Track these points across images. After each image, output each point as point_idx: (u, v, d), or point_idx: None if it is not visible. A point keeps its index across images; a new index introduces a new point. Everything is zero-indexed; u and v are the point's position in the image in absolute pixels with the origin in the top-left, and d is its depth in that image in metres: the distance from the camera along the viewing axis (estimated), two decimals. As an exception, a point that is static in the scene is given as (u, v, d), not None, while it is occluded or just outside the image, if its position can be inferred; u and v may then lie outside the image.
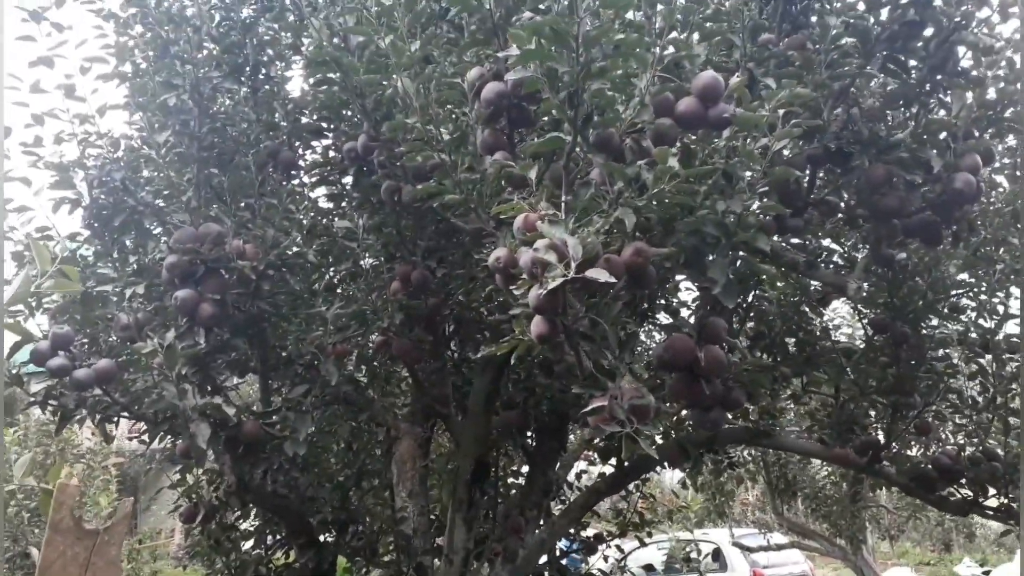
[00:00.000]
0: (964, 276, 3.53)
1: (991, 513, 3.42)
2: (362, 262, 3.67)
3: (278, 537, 4.58)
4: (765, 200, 2.20)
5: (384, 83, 2.73)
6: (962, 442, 3.90)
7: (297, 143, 3.70)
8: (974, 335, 3.44)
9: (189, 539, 6.04)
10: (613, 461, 4.03)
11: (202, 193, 3.32)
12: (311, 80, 3.38)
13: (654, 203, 2.04)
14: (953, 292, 3.46)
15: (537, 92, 2.20)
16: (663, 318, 3.87)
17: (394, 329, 3.46)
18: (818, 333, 3.90)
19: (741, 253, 2.44)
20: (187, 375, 3.08)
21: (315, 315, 3.44)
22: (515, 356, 2.24)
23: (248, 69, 3.59)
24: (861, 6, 2.61)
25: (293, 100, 3.71)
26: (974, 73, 2.63)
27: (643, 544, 5.74)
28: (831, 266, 3.57)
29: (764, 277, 3.37)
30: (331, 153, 3.74)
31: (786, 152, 2.37)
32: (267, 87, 3.68)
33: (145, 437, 3.68)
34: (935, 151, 2.56)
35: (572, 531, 5.18)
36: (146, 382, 3.14)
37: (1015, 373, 3.36)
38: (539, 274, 1.86)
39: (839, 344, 3.91)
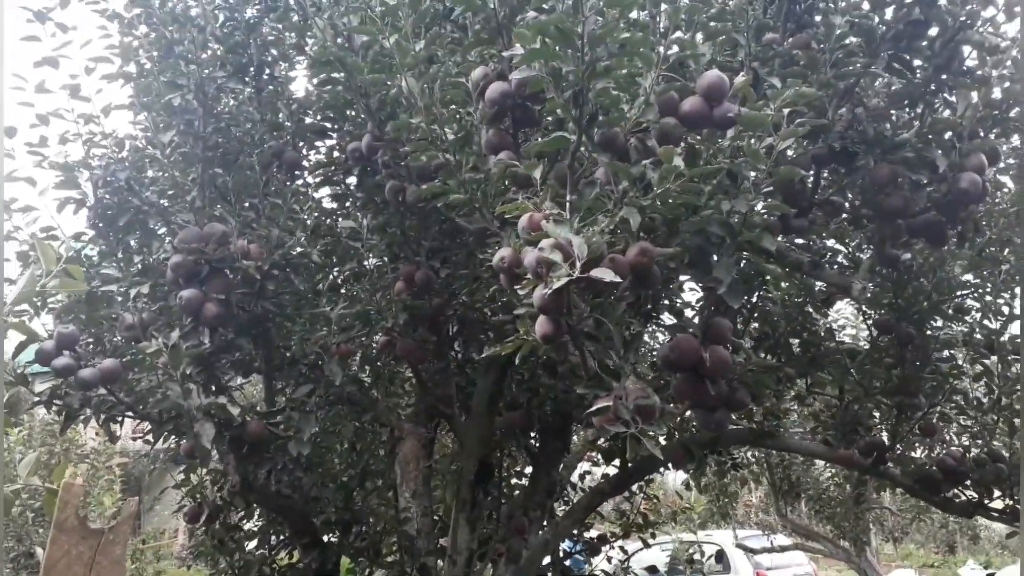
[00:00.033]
0: (969, 277, 3.53)
1: (996, 515, 3.41)
2: (366, 262, 3.68)
3: (282, 537, 4.59)
4: (770, 200, 2.20)
5: (388, 83, 2.73)
6: (967, 443, 3.89)
7: (301, 143, 3.71)
8: (979, 336, 3.43)
9: (193, 539, 6.05)
10: (617, 462, 4.03)
11: (206, 193, 3.33)
12: (315, 80, 3.38)
13: (659, 203, 2.04)
14: (958, 293, 3.45)
15: (541, 92, 2.20)
16: (667, 319, 3.87)
17: (398, 329, 3.47)
18: (822, 334, 3.89)
19: (745, 253, 2.43)
20: (192, 375, 3.08)
21: (319, 315, 3.45)
22: (519, 356, 2.23)
23: (252, 69, 3.59)
24: (866, 5, 2.60)
25: (297, 100, 3.71)
26: (979, 72, 2.62)
27: (647, 545, 5.73)
28: (835, 266, 3.56)
29: (769, 277, 3.36)
30: (335, 153, 3.75)
31: (790, 152, 2.36)
32: (271, 87, 3.69)
33: (149, 437, 3.68)
34: (940, 151, 2.55)
35: (575, 532, 5.18)
36: (151, 382, 3.15)
37: (1020, 374, 3.35)
38: (544, 274, 1.85)
39: (843, 345, 3.90)
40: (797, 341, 3.88)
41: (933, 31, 2.58)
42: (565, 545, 5.27)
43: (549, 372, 3.93)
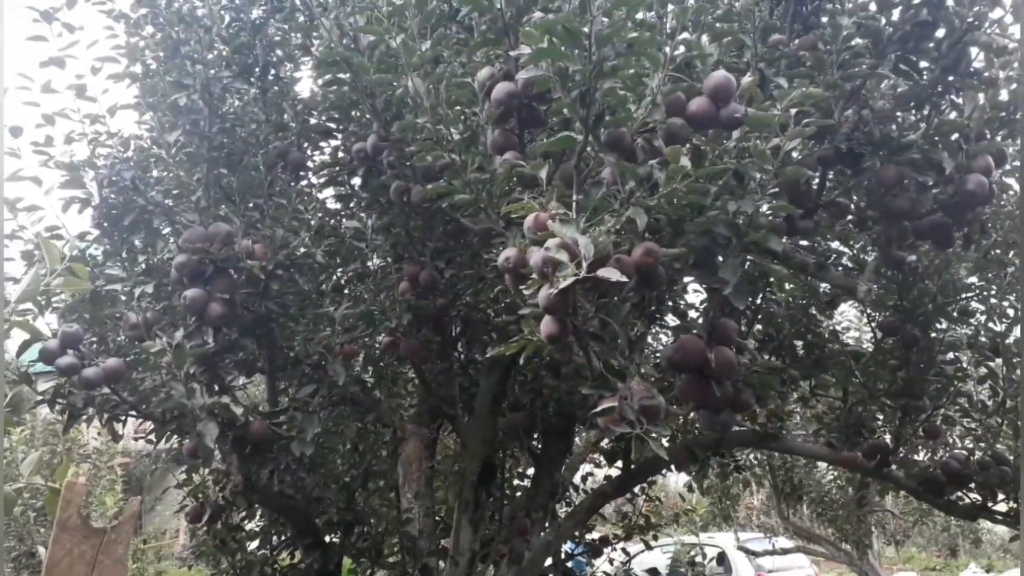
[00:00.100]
0: (974, 279, 3.52)
1: (1000, 518, 3.40)
2: (370, 263, 3.68)
3: (284, 537, 4.59)
4: (776, 201, 2.19)
5: (394, 83, 2.73)
6: (971, 446, 3.88)
7: (306, 144, 3.71)
8: (984, 339, 3.42)
9: (194, 539, 6.05)
10: (619, 464, 4.02)
11: (211, 193, 3.33)
12: (321, 80, 3.38)
13: (665, 203, 2.03)
14: (963, 295, 3.44)
15: (547, 92, 2.19)
16: (670, 320, 3.87)
17: (402, 330, 3.46)
18: (827, 336, 3.89)
19: (751, 255, 2.43)
20: (195, 374, 3.08)
21: (323, 315, 3.45)
22: (523, 357, 2.23)
23: (258, 70, 3.60)
24: (873, 7, 2.60)
25: (302, 101, 3.72)
26: (986, 74, 2.62)
27: (648, 547, 5.73)
28: (840, 268, 3.56)
29: (774, 279, 3.36)
30: (339, 154, 3.75)
31: (795, 154, 2.36)
32: (276, 88, 3.70)
33: (152, 437, 3.68)
34: (947, 153, 2.55)
35: (577, 533, 5.18)
36: (154, 381, 3.15)
37: (1021, 378, 3.34)
38: (550, 273, 1.85)
39: (848, 347, 3.89)
40: (801, 343, 3.87)
41: (940, 32, 2.58)
42: (567, 546, 5.27)
43: (552, 373, 3.93)
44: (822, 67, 2.45)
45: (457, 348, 4.25)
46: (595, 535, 5.69)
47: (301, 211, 3.44)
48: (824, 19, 2.68)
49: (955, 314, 3.39)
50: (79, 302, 3.34)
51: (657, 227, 2.21)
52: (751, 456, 7.78)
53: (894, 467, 3.52)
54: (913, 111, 2.82)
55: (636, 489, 5.41)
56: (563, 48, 1.96)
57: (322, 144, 3.85)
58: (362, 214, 3.58)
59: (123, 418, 3.38)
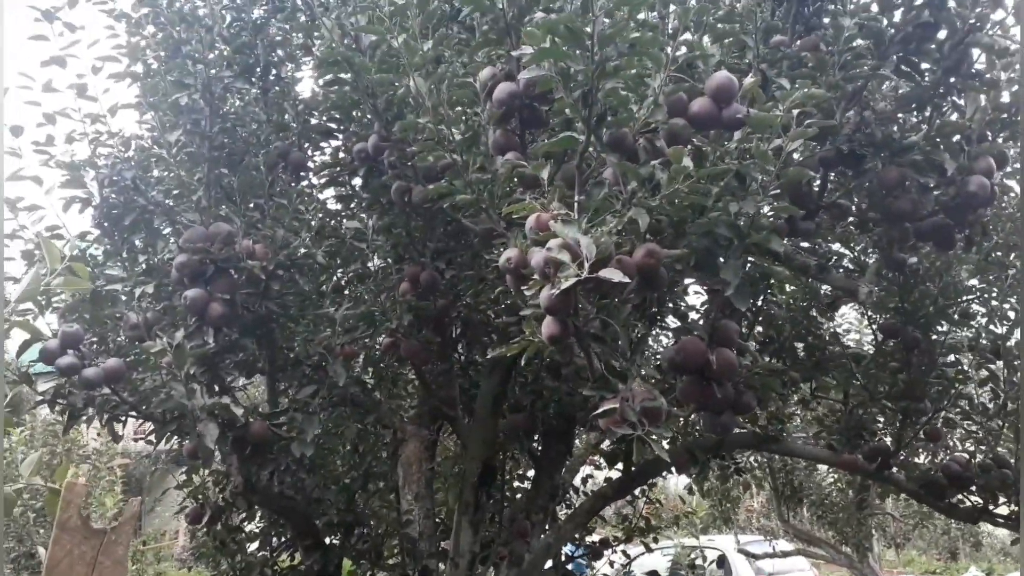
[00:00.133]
0: (975, 281, 3.52)
1: (1001, 521, 3.40)
2: (371, 263, 3.67)
3: (284, 539, 4.58)
4: (777, 202, 2.19)
5: (395, 83, 2.72)
6: (972, 449, 3.88)
7: (307, 144, 3.71)
8: (985, 341, 3.42)
9: (194, 541, 6.04)
10: (620, 466, 4.02)
11: (212, 193, 3.32)
12: (322, 80, 3.38)
13: (667, 204, 2.03)
14: (964, 297, 3.44)
15: (549, 92, 2.19)
16: (671, 321, 3.86)
17: (403, 330, 3.46)
18: (827, 338, 3.88)
19: (752, 256, 2.43)
20: (195, 375, 3.08)
21: (323, 316, 3.44)
22: (524, 358, 2.22)
23: (259, 69, 3.60)
24: (874, 8, 2.60)
25: (303, 101, 3.72)
26: (988, 76, 2.62)
27: (649, 550, 5.72)
28: (841, 270, 3.55)
29: (775, 280, 3.35)
30: (340, 154, 3.75)
31: (796, 155, 2.35)
32: (277, 88, 3.69)
33: (151, 438, 3.68)
34: (949, 154, 2.54)
35: (578, 536, 5.17)
36: (155, 381, 3.14)
37: (1021, 380, 3.34)
38: (551, 274, 1.85)
39: (849, 349, 3.89)
40: (802, 345, 3.87)
41: (942, 34, 2.58)
42: (567, 549, 5.26)
43: (553, 375, 3.93)
44: (824, 68, 2.45)
45: (457, 349, 4.25)
46: (595, 537, 5.68)
47: (302, 211, 3.44)
48: (826, 20, 2.68)
49: (956, 316, 3.39)
50: (79, 302, 3.34)
51: (658, 228, 2.21)
52: (751, 458, 7.77)
53: (895, 470, 3.51)
54: (915, 112, 2.82)
55: (636, 491, 5.40)
56: (565, 48, 1.95)
57: (323, 144, 3.85)
58: (363, 215, 3.58)
59: (123, 419, 3.37)
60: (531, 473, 4.75)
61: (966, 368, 3.48)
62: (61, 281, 2.09)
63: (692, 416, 3.90)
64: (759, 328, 3.85)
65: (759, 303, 3.68)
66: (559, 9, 2.09)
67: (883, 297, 3.41)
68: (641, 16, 2.21)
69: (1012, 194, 3.32)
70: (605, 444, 4.81)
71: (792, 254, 2.81)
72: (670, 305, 3.68)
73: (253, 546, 4.58)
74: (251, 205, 3.45)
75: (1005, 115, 2.68)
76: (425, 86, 2.37)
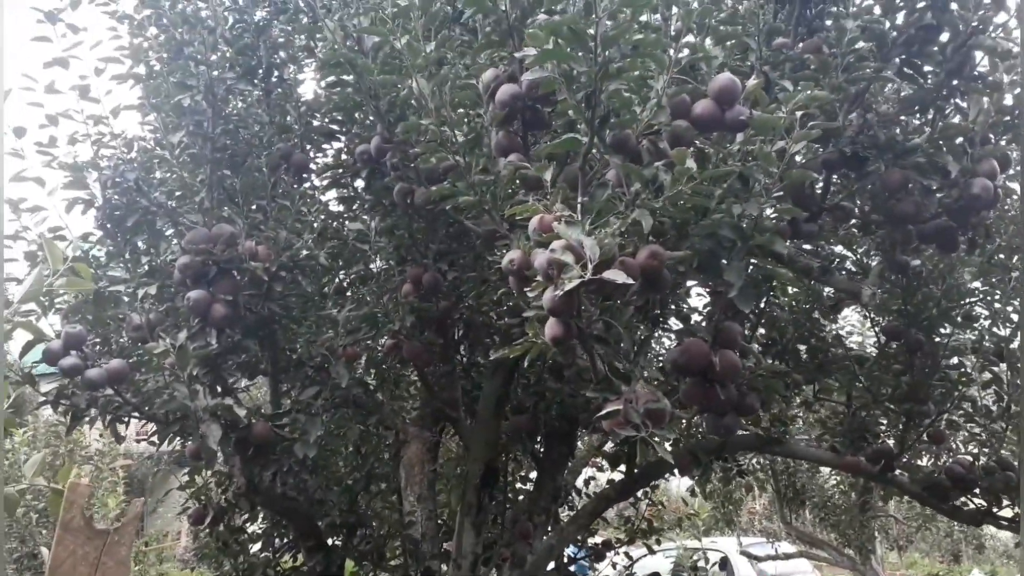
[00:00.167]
0: (978, 284, 3.51)
1: (1005, 523, 3.39)
2: (373, 265, 3.67)
3: (286, 540, 4.58)
4: (780, 204, 2.19)
5: (398, 85, 2.73)
6: (975, 451, 3.87)
7: (309, 146, 3.71)
8: (988, 343, 3.41)
9: (196, 541, 6.04)
10: (622, 467, 4.01)
11: (215, 194, 3.33)
12: (325, 82, 3.38)
13: (670, 206, 2.03)
14: (967, 300, 3.43)
15: (551, 94, 2.19)
16: (674, 323, 3.86)
17: (405, 332, 3.46)
18: (830, 340, 3.88)
19: (755, 258, 2.42)
20: (198, 376, 3.08)
21: (326, 317, 3.44)
22: (527, 360, 2.22)
23: (261, 71, 3.60)
24: (877, 10, 2.59)
25: (306, 103, 3.72)
26: (991, 78, 2.61)
27: (651, 552, 5.71)
28: (843, 272, 3.55)
29: (779, 282, 3.35)
30: (343, 156, 3.75)
31: (798, 157, 2.35)
32: (280, 89, 3.69)
33: (154, 439, 3.68)
34: (952, 156, 2.54)
35: (580, 537, 5.16)
36: (157, 382, 3.15)
37: (1020, 382, 3.33)
38: (555, 275, 1.85)
39: (852, 351, 3.88)
40: (804, 347, 3.86)
41: (945, 36, 2.57)
42: (569, 550, 5.25)
43: (555, 376, 3.92)
44: (827, 70, 2.44)
45: (460, 351, 4.24)
46: (598, 539, 5.68)
47: (304, 213, 3.44)
48: (828, 22, 2.68)
49: (959, 319, 3.38)
50: (82, 303, 3.35)
51: (661, 230, 2.21)
52: (754, 461, 7.76)
53: (898, 472, 3.51)
54: (917, 115, 2.82)
55: (639, 493, 5.40)
56: (569, 50, 1.95)
57: (325, 146, 3.85)
58: (365, 216, 3.58)
59: (126, 419, 3.38)
60: (533, 475, 4.75)
61: (969, 370, 3.47)
62: (64, 282, 2.10)
63: (695, 418, 3.90)
64: (762, 330, 3.85)
65: (762, 305, 3.67)
66: (562, 11, 2.09)
67: (886, 299, 3.41)
68: (643, 18, 2.21)
69: (1015, 196, 3.32)
70: (607, 446, 4.81)
71: (795, 256, 2.80)
72: (672, 307, 3.68)
73: (256, 547, 4.59)
74: (254, 207, 3.45)
75: (1008, 118, 2.68)
76: (428, 88, 2.37)
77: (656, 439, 1.95)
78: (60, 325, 3.25)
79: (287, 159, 3.52)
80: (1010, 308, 3.40)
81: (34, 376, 3.21)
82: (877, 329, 3.79)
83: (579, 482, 5.29)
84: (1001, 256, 3.31)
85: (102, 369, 3.03)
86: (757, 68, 2.44)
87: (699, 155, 2.14)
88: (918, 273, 3.25)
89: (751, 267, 2.43)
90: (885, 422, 3.85)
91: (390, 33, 2.45)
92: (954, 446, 4.05)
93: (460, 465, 4.86)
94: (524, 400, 4.13)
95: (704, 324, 2.83)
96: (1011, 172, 2.79)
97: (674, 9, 2.25)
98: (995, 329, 3.42)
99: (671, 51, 2.04)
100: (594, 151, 2.11)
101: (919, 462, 3.89)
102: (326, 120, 3.67)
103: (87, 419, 3.26)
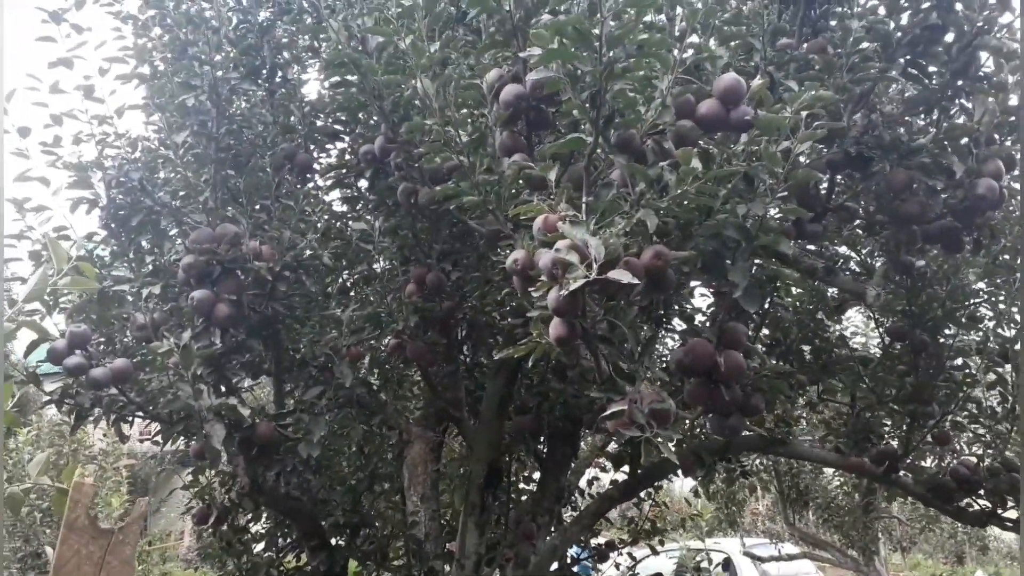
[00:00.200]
0: (983, 284, 3.50)
1: (1010, 525, 3.38)
2: (377, 265, 3.67)
3: (289, 540, 4.58)
4: (785, 204, 2.18)
5: (403, 85, 2.73)
6: (980, 453, 3.86)
7: (312, 146, 3.71)
8: (993, 344, 3.40)
9: (200, 541, 6.05)
10: (626, 468, 4.01)
11: (219, 194, 3.33)
12: (329, 82, 3.39)
13: (675, 206, 2.03)
14: (972, 301, 3.43)
15: (555, 94, 2.19)
16: (677, 323, 3.86)
17: (408, 332, 3.46)
18: (834, 341, 3.87)
19: (757, 260, 2.42)
20: (202, 375, 3.08)
21: (329, 317, 3.45)
22: (531, 360, 2.22)
23: (265, 71, 3.61)
24: (882, 10, 2.59)
25: (310, 103, 3.72)
26: (996, 78, 2.61)
27: (655, 552, 5.70)
28: (847, 273, 3.54)
29: (784, 282, 3.34)
30: (347, 156, 3.75)
31: (802, 158, 2.35)
32: (284, 89, 3.70)
33: (158, 439, 3.68)
34: (957, 157, 2.54)
35: (583, 538, 5.16)
36: (161, 382, 3.15)
37: (1019, 382, 3.32)
38: (559, 275, 1.85)
39: (856, 352, 3.87)
40: (808, 348, 3.85)
41: (950, 36, 2.57)
42: (573, 551, 5.25)
43: (559, 376, 3.92)
44: (831, 70, 2.44)
45: (463, 351, 4.24)
46: (601, 540, 5.67)
47: (308, 213, 3.44)
48: (833, 22, 2.68)
49: (964, 320, 3.37)
50: (87, 302, 3.35)
51: (665, 230, 2.20)
52: (757, 461, 7.75)
53: (902, 473, 3.50)
54: (922, 115, 2.81)
55: (642, 494, 5.39)
56: (573, 49, 1.95)
57: (329, 146, 3.85)
58: (369, 216, 3.58)
59: (130, 419, 3.38)
60: (537, 475, 4.74)
61: (974, 371, 3.46)
62: (68, 281, 2.10)
63: (698, 418, 3.89)
64: (765, 331, 3.84)
65: (766, 306, 3.67)
66: (566, 11, 2.09)
67: (890, 300, 3.40)
68: (648, 18, 2.21)
69: (1020, 197, 3.31)
70: (611, 446, 4.80)
71: (799, 257, 2.80)
72: (675, 307, 3.67)
73: (259, 547, 4.59)
74: (257, 206, 3.46)
75: (1013, 118, 2.67)
76: (432, 88, 2.37)
77: (660, 440, 1.95)
78: (64, 324, 3.25)
79: (291, 159, 3.53)
80: (1015, 309, 3.39)
81: (38, 375, 3.21)
82: (881, 330, 3.78)
83: (582, 482, 5.28)
84: (1006, 257, 3.31)
85: (106, 368, 3.03)
86: (761, 68, 2.44)
87: (703, 155, 2.14)
88: (922, 274, 3.25)
89: (755, 267, 2.43)
90: (889, 423, 3.84)
91: (394, 33, 2.45)
92: (958, 447, 4.05)
93: (463, 465, 4.86)
94: (527, 400, 4.12)
95: (708, 324, 2.82)
96: (1016, 172, 2.78)
97: (678, 9, 2.24)
98: (1000, 330, 3.41)
99: (675, 51, 2.04)
100: (599, 151, 2.11)
101: (923, 463, 3.89)
102: (330, 120, 3.67)
103: (91, 419, 3.27)
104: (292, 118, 3.61)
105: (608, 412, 2.00)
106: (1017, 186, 3.11)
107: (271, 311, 3.29)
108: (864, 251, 3.62)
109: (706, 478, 4.17)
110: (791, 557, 10.33)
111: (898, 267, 3.03)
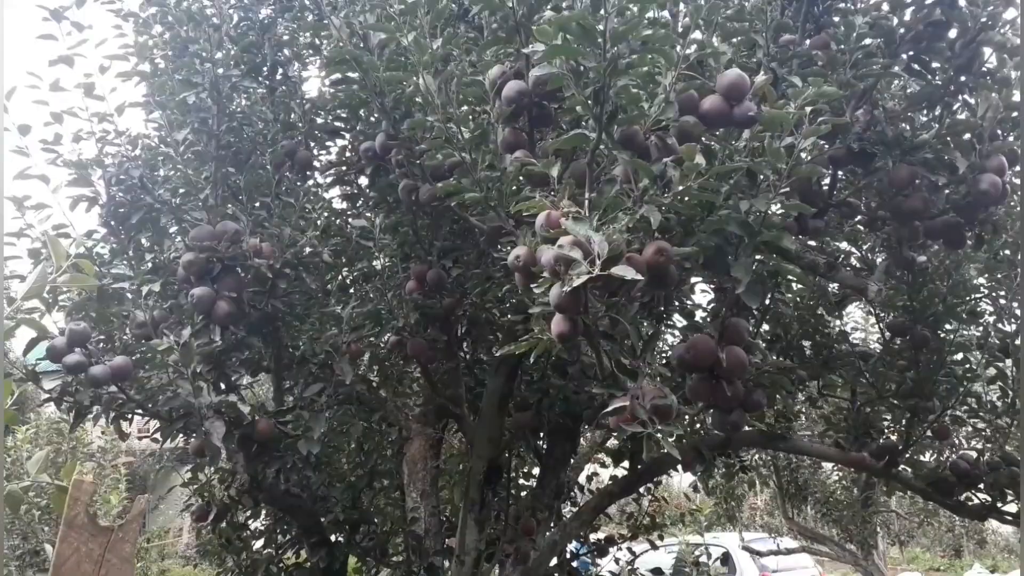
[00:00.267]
0: (983, 280, 3.51)
1: (1010, 518, 3.39)
2: (377, 262, 3.67)
3: (289, 536, 4.58)
4: (787, 200, 2.18)
5: (404, 82, 2.72)
6: (980, 447, 3.87)
7: (313, 143, 3.71)
8: (994, 339, 3.41)
9: (199, 538, 6.04)
10: (625, 464, 4.01)
11: (219, 191, 3.32)
12: (330, 79, 3.38)
13: (678, 202, 2.03)
14: (973, 296, 3.43)
15: (558, 90, 2.18)
16: (678, 319, 3.86)
17: (409, 329, 3.46)
18: (835, 336, 3.87)
19: (759, 256, 2.41)
20: (202, 373, 3.08)
21: (329, 314, 3.44)
22: (532, 356, 2.22)
23: (266, 69, 3.60)
24: (885, 6, 2.59)
25: (310, 100, 3.71)
26: (1000, 74, 2.60)
27: (654, 547, 5.72)
28: (848, 269, 3.54)
29: (788, 278, 3.34)
30: (347, 153, 3.74)
31: (803, 154, 2.35)
32: (284, 87, 3.69)
33: (156, 436, 3.68)
34: (960, 152, 2.53)
35: (583, 533, 5.16)
36: (161, 379, 3.14)
37: (1019, 377, 3.33)
38: (562, 272, 1.84)
39: (856, 348, 3.88)
40: (809, 343, 3.86)
41: (953, 32, 2.56)
42: (572, 546, 5.26)
43: (559, 373, 3.92)
44: (835, 66, 2.44)
45: (463, 348, 4.24)
46: (600, 535, 5.68)
47: (308, 210, 3.44)
48: (836, 18, 2.67)
49: (965, 315, 3.38)
50: (86, 300, 3.34)
51: (667, 226, 2.20)
52: (756, 456, 7.76)
53: (903, 468, 3.51)
54: (925, 111, 2.81)
55: (642, 489, 5.40)
56: (577, 45, 1.95)
57: (329, 144, 3.85)
58: (369, 213, 3.58)
59: (130, 417, 3.37)
60: (536, 471, 4.75)
61: (974, 366, 3.46)
62: (67, 279, 2.09)
63: (699, 414, 3.90)
64: (766, 326, 3.84)
65: (767, 301, 3.67)
66: (569, 7, 2.08)
67: (891, 295, 3.40)
68: (651, 14, 2.20)
69: (1021, 192, 3.31)
70: (610, 442, 4.81)
71: (801, 252, 2.80)
72: (676, 304, 3.67)
73: (259, 543, 4.59)
74: (258, 204, 3.45)
75: (1016, 113, 2.67)
76: (434, 84, 2.36)
77: (662, 435, 1.94)
78: (64, 322, 3.24)
79: (291, 156, 3.52)
80: (1015, 304, 3.40)
81: (37, 373, 3.20)
82: (882, 325, 3.79)
83: (582, 478, 5.29)
84: (1007, 252, 3.31)
85: (106, 366, 3.02)
86: (764, 64, 2.43)
87: (706, 151, 2.14)
88: (924, 269, 3.25)
89: (757, 263, 2.43)
90: (889, 418, 3.85)
91: (396, 30, 2.44)
92: (958, 442, 4.06)
93: (463, 461, 4.86)
94: (527, 397, 4.13)
95: (709, 320, 2.82)
96: (1018, 168, 2.78)
97: (681, 5, 2.24)
98: (1000, 325, 3.42)
99: (679, 47, 2.04)
100: (602, 147, 2.10)
101: (923, 458, 3.89)
102: (330, 117, 3.66)
103: (90, 416, 3.26)
104: (293, 115, 3.61)
105: (610, 408, 2.00)
106: (1017, 182, 3.12)
107: (271, 308, 3.28)
108: (865, 247, 3.63)
109: (705, 473, 4.18)
110: (790, 551, 10.36)
111: (899, 263, 3.03)
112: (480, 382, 4.25)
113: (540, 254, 1.95)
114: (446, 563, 4.11)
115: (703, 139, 2.20)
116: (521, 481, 5.02)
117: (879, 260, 3.39)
